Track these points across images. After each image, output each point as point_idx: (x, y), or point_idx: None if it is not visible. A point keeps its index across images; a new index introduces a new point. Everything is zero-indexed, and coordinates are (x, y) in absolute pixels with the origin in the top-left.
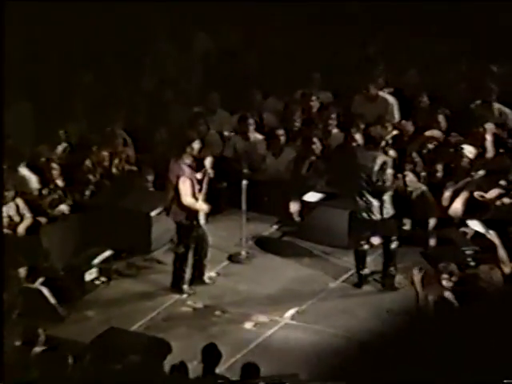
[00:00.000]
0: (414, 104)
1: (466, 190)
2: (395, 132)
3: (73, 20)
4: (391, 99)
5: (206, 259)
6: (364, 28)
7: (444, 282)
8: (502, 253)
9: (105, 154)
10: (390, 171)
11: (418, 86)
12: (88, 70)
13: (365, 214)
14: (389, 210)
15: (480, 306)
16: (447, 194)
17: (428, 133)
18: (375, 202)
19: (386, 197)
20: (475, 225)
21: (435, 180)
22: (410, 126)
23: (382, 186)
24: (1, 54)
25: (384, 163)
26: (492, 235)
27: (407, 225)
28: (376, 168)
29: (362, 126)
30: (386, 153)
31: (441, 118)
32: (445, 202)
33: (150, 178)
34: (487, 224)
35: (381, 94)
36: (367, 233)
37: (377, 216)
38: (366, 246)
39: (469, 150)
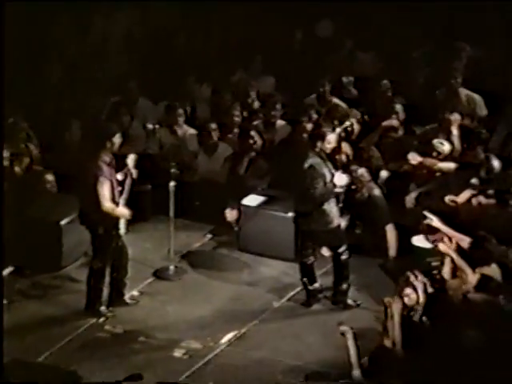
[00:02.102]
0: (372, 92)
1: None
2: (347, 123)
3: None
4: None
5: (127, 276)
6: (313, 6)
7: (406, 299)
8: (460, 263)
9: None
10: (318, 178)
11: (376, 71)
12: None
13: (306, 225)
14: (334, 221)
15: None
16: (412, 195)
17: (386, 123)
18: (316, 213)
19: (327, 206)
20: (420, 241)
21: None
22: (358, 115)
23: (312, 195)
24: (1, 54)
25: (311, 167)
26: (442, 248)
27: (359, 228)
28: (306, 169)
29: (315, 116)
30: (319, 154)
31: (398, 107)
32: (408, 204)
33: (50, 178)
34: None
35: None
36: (312, 243)
37: (320, 228)
38: (312, 258)
39: (439, 147)
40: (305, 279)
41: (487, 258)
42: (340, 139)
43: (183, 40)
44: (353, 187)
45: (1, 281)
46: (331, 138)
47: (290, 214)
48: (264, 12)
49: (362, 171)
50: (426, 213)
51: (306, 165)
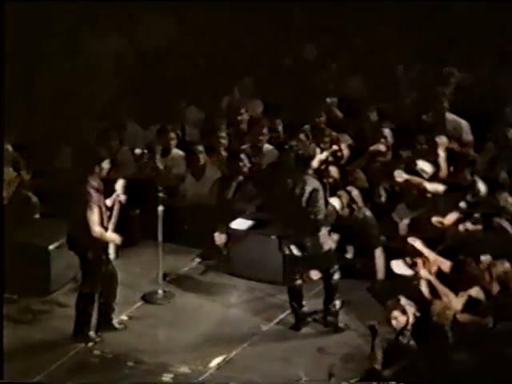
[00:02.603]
0: (359, 116)
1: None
2: (335, 147)
3: None
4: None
5: (116, 301)
6: (302, 29)
7: (393, 322)
8: (441, 288)
9: None
10: (321, 202)
11: (363, 94)
12: None
13: (295, 251)
14: (325, 245)
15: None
16: (405, 221)
17: (373, 148)
18: (308, 238)
19: (323, 231)
20: (399, 267)
21: (380, 202)
22: (348, 141)
23: (314, 219)
24: (1, 54)
25: (314, 191)
26: (423, 273)
27: (349, 252)
28: (305, 196)
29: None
30: (319, 177)
31: (386, 131)
32: (402, 231)
33: (35, 201)
34: (442, 253)
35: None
36: (300, 267)
37: (310, 253)
38: (299, 281)
39: (421, 168)
40: (293, 303)
41: (470, 282)
42: (327, 163)
43: (172, 63)
44: (345, 210)
45: (1, 280)
46: (315, 161)
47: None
48: (251, 35)
49: (356, 193)
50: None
51: (308, 188)
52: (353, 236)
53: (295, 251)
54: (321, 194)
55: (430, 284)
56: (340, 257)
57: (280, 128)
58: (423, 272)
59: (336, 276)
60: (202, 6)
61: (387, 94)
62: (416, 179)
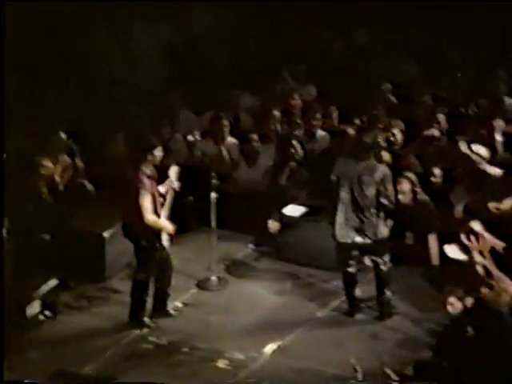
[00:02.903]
0: (412, 101)
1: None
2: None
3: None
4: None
5: (170, 287)
6: (353, 15)
7: (449, 308)
8: (497, 274)
9: (48, 164)
10: (391, 188)
11: (417, 79)
12: (26, 68)
13: (353, 236)
14: (383, 231)
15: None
16: (459, 207)
17: (426, 132)
18: (367, 223)
19: (382, 217)
20: (452, 251)
21: (435, 187)
22: (401, 125)
23: (387, 204)
24: (1, 54)
25: (384, 177)
26: (478, 259)
27: (409, 238)
28: (376, 180)
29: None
30: (380, 161)
31: (441, 117)
32: (457, 215)
33: (90, 189)
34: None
35: None
36: (356, 252)
37: (367, 239)
38: (354, 268)
39: (478, 152)
40: (348, 289)
41: None
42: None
43: (225, 50)
44: (408, 195)
45: (1, 280)
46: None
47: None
48: (305, 20)
49: (415, 178)
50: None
51: (379, 175)
52: (411, 222)
53: (357, 238)
54: (390, 179)
55: (486, 269)
56: (398, 243)
57: (334, 114)
58: (477, 256)
59: (386, 266)
60: None
61: (442, 79)
62: (476, 157)
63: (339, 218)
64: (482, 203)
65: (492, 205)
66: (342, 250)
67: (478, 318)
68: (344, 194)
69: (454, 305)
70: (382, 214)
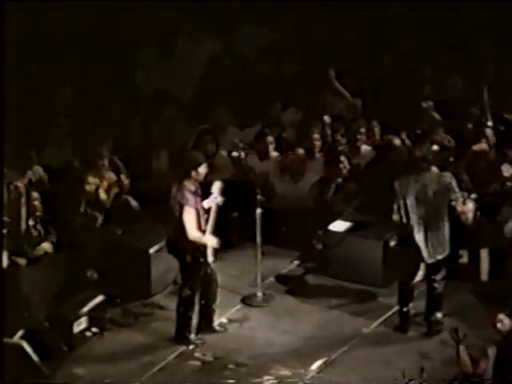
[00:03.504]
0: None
1: None
2: (435, 147)
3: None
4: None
5: (216, 303)
6: (396, 26)
7: (499, 325)
8: None
9: (95, 181)
10: (459, 194)
11: (463, 94)
12: (71, 83)
13: (435, 255)
14: (446, 249)
15: None
16: (510, 224)
17: (476, 147)
18: (441, 239)
19: (446, 230)
20: None
21: (487, 202)
22: (446, 140)
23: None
24: (1, 54)
25: (451, 182)
26: None
27: (464, 257)
28: (445, 188)
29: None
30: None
31: (488, 131)
32: (508, 235)
33: (135, 205)
34: None
35: None
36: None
37: (438, 255)
38: (414, 281)
39: None
40: (403, 304)
41: None
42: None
43: (269, 65)
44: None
45: (1, 280)
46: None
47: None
48: (348, 33)
49: (474, 195)
50: None
51: (446, 182)
52: (467, 240)
53: (438, 256)
54: (455, 186)
55: None
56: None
57: (376, 129)
58: None
59: (441, 285)
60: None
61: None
62: None
63: (419, 237)
64: None
65: None
66: (408, 269)
67: None
68: (415, 215)
69: (504, 321)
70: (448, 231)
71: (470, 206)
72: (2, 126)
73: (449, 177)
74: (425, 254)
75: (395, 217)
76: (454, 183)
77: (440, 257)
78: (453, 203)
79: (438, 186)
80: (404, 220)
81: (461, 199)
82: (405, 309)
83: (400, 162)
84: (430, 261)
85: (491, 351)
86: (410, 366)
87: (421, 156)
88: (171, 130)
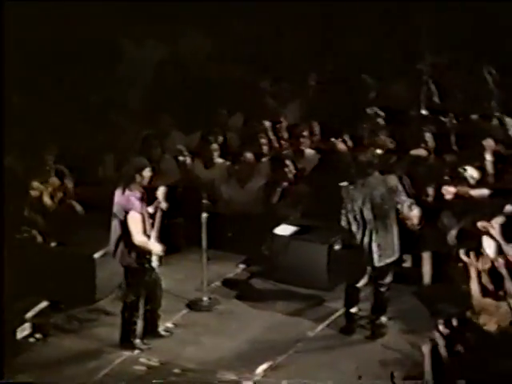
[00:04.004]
0: (401, 119)
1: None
2: (379, 151)
3: None
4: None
5: (161, 308)
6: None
7: (441, 328)
8: (509, 285)
9: (39, 186)
10: (404, 197)
11: (406, 97)
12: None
13: (383, 259)
14: (395, 252)
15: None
16: (453, 232)
17: (414, 152)
18: (389, 242)
19: (395, 234)
20: (490, 245)
21: (428, 207)
22: (389, 144)
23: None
24: (1, 54)
25: (394, 186)
26: (500, 263)
27: (408, 261)
28: (390, 189)
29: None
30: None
31: (428, 136)
32: (451, 242)
33: (80, 210)
34: None
35: None
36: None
37: (388, 258)
38: (361, 284)
39: (470, 174)
40: (349, 306)
41: None
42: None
43: (214, 70)
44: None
45: (1, 279)
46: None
47: (323, 244)
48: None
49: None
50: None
51: (392, 184)
52: (409, 244)
53: (387, 260)
54: (400, 190)
55: (480, 285)
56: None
57: (316, 129)
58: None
59: (386, 289)
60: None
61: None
62: (463, 189)
63: (368, 241)
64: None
65: (481, 224)
66: (354, 272)
67: (467, 338)
68: (362, 219)
69: (444, 324)
70: (396, 234)
71: (416, 211)
72: (2, 126)
73: (394, 180)
74: (374, 257)
75: (343, 222)
76: (399, 186)
77: (389, 260)
78: (398, 206)
79: (384, 190)
80: (352, 225)
81: (406, 203)
82: (351, 310)
83: (345, 166)
84: (378, 264)
85: (425, 348)
86: (355, 368)
87: (366, 160)
88: (117, 134)
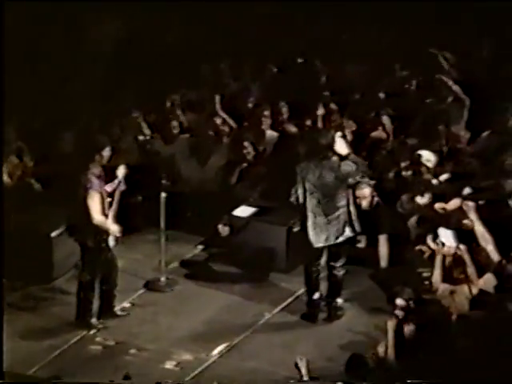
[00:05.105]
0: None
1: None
2: (339, 133)
3: None
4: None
5: (117, 287)
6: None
7: (397, 311)
8: (471, 270)
9: None
10: (358, 177)
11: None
12: None
13: (324, 240)
14: (344, 233)
15: (441, 337)
16: (412, 219)
17: (375, 134)
18: (333, 225)
19: (344, 215)
20: (447, 235)
21: (387, 190)
22: (353, 126)
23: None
24: (1, 54)
25: (351, 171)
26: (463, 250)
27: (362, 242)
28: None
29: (309, 123)
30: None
31: (385, 118)
32: (412, 229)
33: (38, 188)
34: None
35: None
36: (321, 256)
37: (338, 238)
38: (319, 269)
39: (427, 158)
40: (310, 292)
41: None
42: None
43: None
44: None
45: (1, 279)
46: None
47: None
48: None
49: (372, 182)
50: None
51: (344, 170)
52: (365, 225)
53: (327, 241)
54: (356, 174)
55: (443, 271)
56: (351, 247)
57: (284, 109)
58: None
59: (341, 270)
60: None
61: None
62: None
63: (310, 223)
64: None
65: (438, 205)
66: (309, 254)
67: (423, 319)
68: (311, 199)
69: (400, 306)
70: (347, 213)
71: (366, 191)
72: (2, 126)
73: (349, 165)
74: (313, 238)
75: (292, 199)
76: (353, 169)
77: (334, 241)
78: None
79: (337, 174)
80: (301, 202)
81: (359, 183)
82: (314, 297)
83: (305, 148)
84: (317, 245)
85: (390, 323)
86: (312, 350)
87: (326, 143)
88: (76, 112)
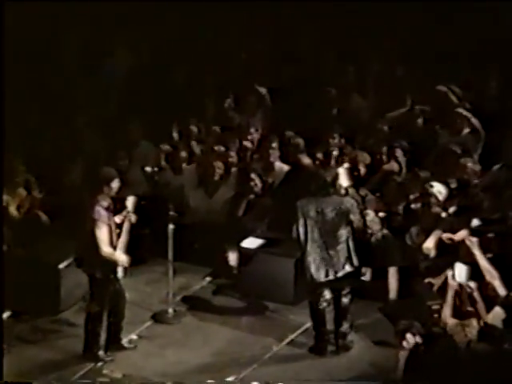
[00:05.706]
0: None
1: (438, 228)
2: (346, 165)
3: None
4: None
5: (125, 319)
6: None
7: (404, 343)
8: (480, 306)
9: (7, 198)
10: (358, 216)
11: (375, 110)
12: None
13: (326, 274)
14: (347, 267)
15: (450, 370)
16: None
17: (387, 166)
18: (336, 259)
19: (346, 250)
20: (461, 271)
21: (396, 222)
22: (367, 159)
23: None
24: (1, 54)
25: (351, 209)
26: (473, 288)
27: (367, 275)
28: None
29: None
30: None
31: (398, 152)
32: (411, 240)
33: (45, 220)
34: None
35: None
36: (326, 289)
37: (337, 273)
38: (324, 304)
39: (438, 190)
40: (318, 326)
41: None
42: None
43: (181, 79)
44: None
45: (1, 279)
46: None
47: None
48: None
49: (371, 216)
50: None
51: (344, 208)
52: (370, 258)
53: (330, 276)
54: (357, 211)
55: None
56: (356, 278)
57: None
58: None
59: (346, 299)
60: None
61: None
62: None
63: (312, 257)
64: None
65: (446, 235)
66: (314, 288)
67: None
68: (312, 235)
69: (409, 340)
70: (347, 249)
71: (371, 216)
72: (2, 126)
73: (349, 202)
74: (314, 273)
75: (294, 235)
76: (354, 207)
77: (335, 276)
78: (352, 218)
79: (338, 210)
80: (302, 239)
81: (360, 220)
82: (321, 330)
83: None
84: (319, 280)
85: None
86: (319, 382)
87: (331, 179)
88: (84, 144)
